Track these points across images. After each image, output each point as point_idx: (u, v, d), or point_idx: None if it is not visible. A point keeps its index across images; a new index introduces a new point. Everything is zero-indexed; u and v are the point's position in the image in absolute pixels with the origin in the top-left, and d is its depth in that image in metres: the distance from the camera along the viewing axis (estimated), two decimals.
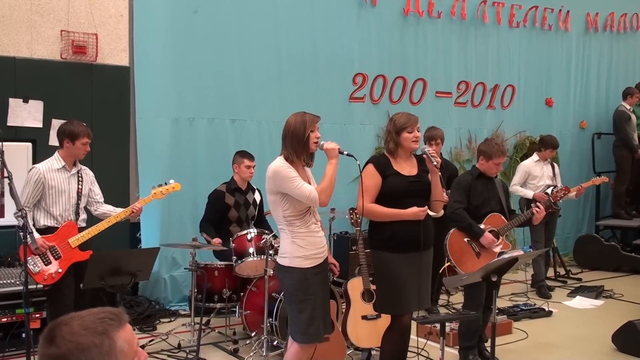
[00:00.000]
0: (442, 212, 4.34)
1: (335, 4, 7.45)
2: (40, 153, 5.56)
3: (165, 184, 5.05)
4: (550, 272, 7.93)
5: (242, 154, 5.92)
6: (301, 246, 3.72)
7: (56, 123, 5.62)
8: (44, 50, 6.04)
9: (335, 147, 3.81)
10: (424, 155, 4.12)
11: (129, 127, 6.47)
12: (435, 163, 4.06)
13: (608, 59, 9.98)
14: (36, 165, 4.72)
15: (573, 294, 7.25)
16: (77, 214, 4.77)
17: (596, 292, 7.18)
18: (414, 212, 3.99)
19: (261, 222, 6.06)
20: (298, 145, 3.75)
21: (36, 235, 4.43)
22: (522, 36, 9.01)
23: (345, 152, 3.84)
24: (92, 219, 4.97)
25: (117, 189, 6.21)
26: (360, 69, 7.65)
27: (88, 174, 4.93)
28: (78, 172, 4.82)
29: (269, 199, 3.83)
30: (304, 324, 3.74)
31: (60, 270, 4.57)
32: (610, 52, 10.00)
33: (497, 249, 4.81)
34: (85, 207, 4.90)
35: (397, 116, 4.19)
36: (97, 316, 1.58)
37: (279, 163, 3.75)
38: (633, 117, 9.24)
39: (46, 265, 4.54)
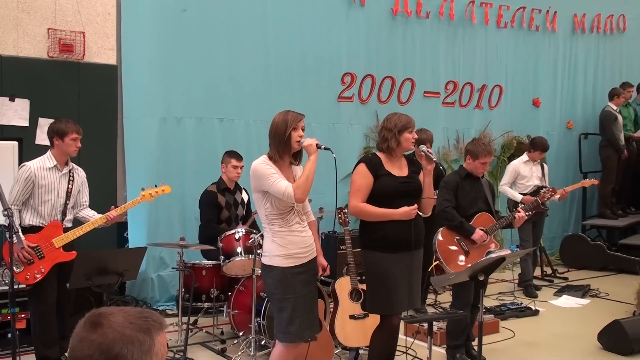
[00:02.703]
0: (430, 212, 4.36)
1: (323, 4, 7.44)
2: (27, 152, 5.51)
3: (155, 186, 4.99)
4: (537, 272, 7.97)
5: (230, 154, 5.90)
6: (281, 245, 3.73)
7: (43, 122, 5.58)
8: (30, 48, 5.99)
9: (313, 142, 3.77)
10: (422, 153, 4.14)
11: (117, 126, 6.43)
12: (435, 159, 4.12)
13: (595, 59, 10.04)
14: (27, 163, 4.65)
15: (559, 293, 7.29)
16: (63, 214, 4.73)
17: (582, 291, 7.23)
18: (404, 211, 4.00)
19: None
20: (280, 144, 3.76)
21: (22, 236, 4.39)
22: (509, 37, 9.05)
23: (323, 146, 3.82)
24: (77, 219, 4.93)
25: (105, 188, 6.17)
26: (348, 68, 7.65)
27: (80, 175, 4.88)
28: (70, 172, 4.77)
29: (253, 197, 3.84)
30: (284, 323, 3.76)
31: (43, 270, 4.51)
32: (597, 53, 10.06)
33: (492, 246, 4.89)
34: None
35: (397, 116, 4.18)
36: (142, 314, 1.56)
37: (259, 161, 3.77)
38: (619, 117, 9.31)
39: (28, 265, 4.48)
